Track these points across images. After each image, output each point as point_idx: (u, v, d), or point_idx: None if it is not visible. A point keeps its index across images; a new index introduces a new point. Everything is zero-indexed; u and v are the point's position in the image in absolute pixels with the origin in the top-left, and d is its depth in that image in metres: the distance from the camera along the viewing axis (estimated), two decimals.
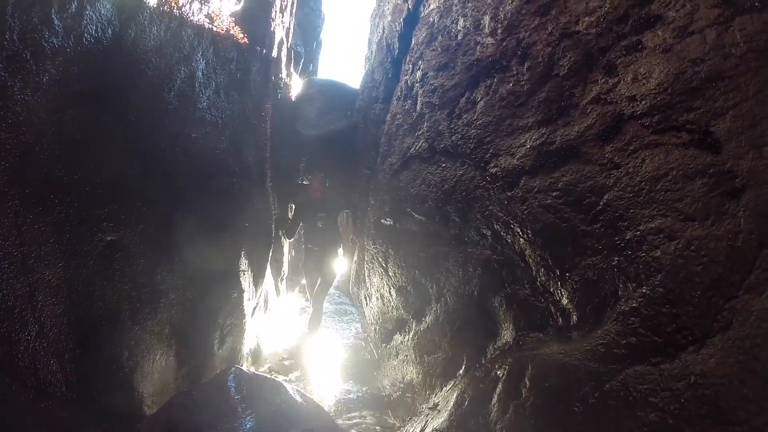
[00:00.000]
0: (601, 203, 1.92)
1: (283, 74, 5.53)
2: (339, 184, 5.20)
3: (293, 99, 5.94)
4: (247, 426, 2.06)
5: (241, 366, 2.91)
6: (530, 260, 2.23)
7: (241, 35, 3.11)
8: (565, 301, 2.03)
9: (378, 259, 3.59)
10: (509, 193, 2.33)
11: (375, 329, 3.83)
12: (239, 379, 2.35)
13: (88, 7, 1.68)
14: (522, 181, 2.28)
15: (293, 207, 5.52)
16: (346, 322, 6.21)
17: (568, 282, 2.01)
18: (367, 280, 3.91)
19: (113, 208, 2.10)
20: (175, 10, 2.25)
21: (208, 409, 2.17)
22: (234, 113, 3.14)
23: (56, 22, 1.55)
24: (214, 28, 2.68)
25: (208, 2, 2.60)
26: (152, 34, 2.13)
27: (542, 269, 2.15)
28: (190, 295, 2.72)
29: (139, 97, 2.13)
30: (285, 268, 5.73)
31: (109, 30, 1.84)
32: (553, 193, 2.11)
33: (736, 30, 1.70)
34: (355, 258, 4.54)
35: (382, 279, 3.52)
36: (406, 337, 3.26)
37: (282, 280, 5.53)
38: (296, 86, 6.37)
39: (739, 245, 1.51)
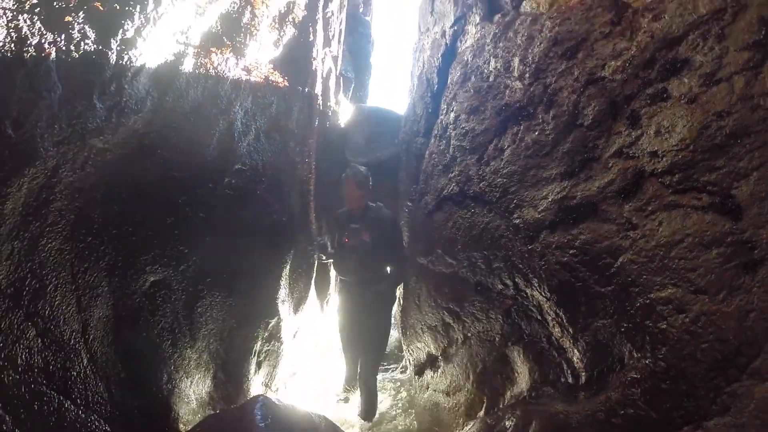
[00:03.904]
0: (615, 265, 1.88)
1: (332, 102, 5.74)
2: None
3: (342, 126, 6.14)
4: None
5: (271, 394, 3.08)
6: (547, 315, 2.21)
7: (281, 79, 3.30)
8: (576, 360, 2.00)
9: (413, 295, 3.66)
10: (530, 247, 2.31)
11: (410, 361, 3.90)
12: (265, 407, 2.51)
13: (127, 86, 1.91)
14: (542, 236, 2.26)
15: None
16: None
17: (579, 342, 1.98)
18: (405, 314, 3.98)
19: (157, 252, 2.35)
20: (211, 70, 2.46)
21: None
22: (275, 153, 3.34)
23: (98, 105, 1.78)
24: (252, 79, 2.88)
25: (244, 56, 2.77)
26: (189, 96, 2.35)
27: (557, 326, 2.13)
28: (228, 325, 2.95)
29: (179, 154, 2.37)
30: (331, 290, 5.90)
31: (148, 101, 2.07)
32: (570, 251, 2.08)
33: (766, 77, 1.54)
34: (400, 289, 4.50)
35: (416, 315, 3.58)
36: (436, 374, 3.30)
37: (327, 302, 5.72)
38: (346, 112, 6.58)
39: (749, 325, 1.44)
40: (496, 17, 3.08)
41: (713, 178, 1.67)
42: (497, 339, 2.56)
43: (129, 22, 1.81)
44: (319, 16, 4.30)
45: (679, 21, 1.88)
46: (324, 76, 5.17)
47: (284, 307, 3.80)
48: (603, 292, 1.90)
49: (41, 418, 1.75)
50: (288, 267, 3.83)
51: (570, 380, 2.02)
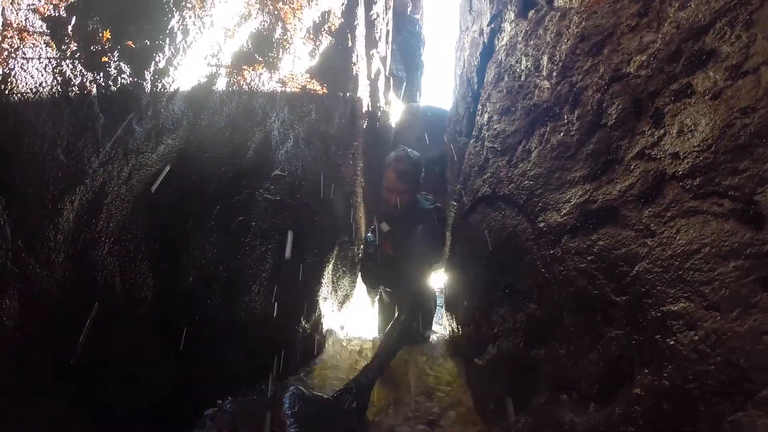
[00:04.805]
0: (631, 274, 1.80)
1: (382, 102, 5.79)
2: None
3: (393, 125, 6.19)
4: None
5: (303, 384, 3.26)
6: (566, 321, 2.17)
7: (320, 87, 3.40)
8: (591, 369, 1.95)
9: (451, 293, 3.68)
10: (551, 251, 2.28)
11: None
12: (294, 396, 2.69)
13: (163, 110, 2.12)
14: (563, 240, 2.21)
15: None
16: None
17: (594, 351, 1.94)
18: (444, 308, 4.02)
19: (197, 255, 2.58)
20: (244, 87, 2.60)
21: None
22: (316, 158, 3.47)
23: (138, 129, 2.00)
24: (288, 90, 3.01)
25: (278, 69, 2.88)
26: (224, 113, 2.51)
27: (575, 333, 2.09)
28: (268, 320, 3.14)
29: (217, 164, 2.57)
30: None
31: (184, 120, 2.27)
32: (589, 257, 2.03)
33: None
34: (446, 282, 4.56)
35: (452, 313, 3.61)
36: (469, 369, 3.31)
37: (375, 302, 5.82)
38: (397, 111, 6.62)
39: (761, 348, 1.34)
40: (530, 13, 3.00)
41: (735, 182, 1.53)
42: (522, 342, 2.54)
43: (160, 54, 2.02)
44: (358, 22, 4.37)
45: (705, 8, 1.75)
46: (372, 77, 5.26)
47: (326, 305, 3.96)
48: (618, 302, 1.84)
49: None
50: (330, 266, 3.99)
51: (584, 390, 1.97)
